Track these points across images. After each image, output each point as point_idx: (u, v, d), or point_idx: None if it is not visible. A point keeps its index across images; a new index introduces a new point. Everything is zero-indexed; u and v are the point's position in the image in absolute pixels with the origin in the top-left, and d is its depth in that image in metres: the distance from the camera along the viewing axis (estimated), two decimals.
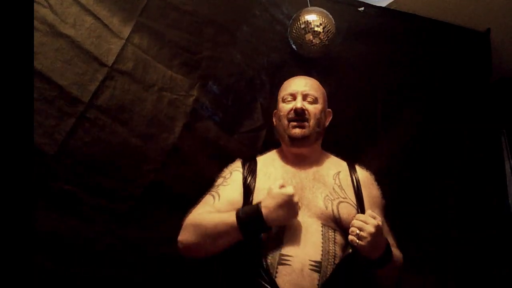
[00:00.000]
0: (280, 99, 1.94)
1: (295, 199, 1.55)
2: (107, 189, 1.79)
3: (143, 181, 1.85)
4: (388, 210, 1.95)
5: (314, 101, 1.87)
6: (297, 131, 1.82)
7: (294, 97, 1.88)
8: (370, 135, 2.42)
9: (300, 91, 1.87)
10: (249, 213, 1.56)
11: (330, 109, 1.99)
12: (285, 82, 1.99)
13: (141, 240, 1.81)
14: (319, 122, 1.87)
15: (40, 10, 1.76)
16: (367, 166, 1.97)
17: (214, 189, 1.79)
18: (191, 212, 1.71)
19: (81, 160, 1.76)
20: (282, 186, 1.57)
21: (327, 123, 1.96)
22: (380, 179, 2.20)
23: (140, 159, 1.86)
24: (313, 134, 1.85)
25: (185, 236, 1.64)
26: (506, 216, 2.51)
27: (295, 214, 1.56)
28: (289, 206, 1.54)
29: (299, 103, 1.84)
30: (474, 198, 2.45)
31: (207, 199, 1.75)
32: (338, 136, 2.17)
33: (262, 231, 1.56)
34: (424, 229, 2.33)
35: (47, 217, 1.67)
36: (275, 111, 1.99)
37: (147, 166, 1.87)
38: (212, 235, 1.58)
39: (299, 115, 1.83)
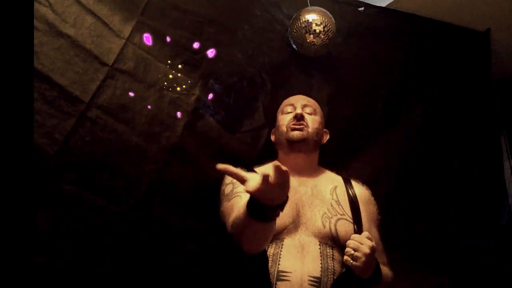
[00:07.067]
0: (279, 114, 2.01)
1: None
2: (108, 189, 1.79)
3: (144, 180, 1.85)
4: (388, 210, 1.96)
5: (313, 112, 1.95)
6: (296, 133, 1.86)
7: (294, 107, 1.94)
8: (370, 135, 2.42)
9: (300, 102, 1.95)
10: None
11: (327, 130, 2.03)
12: (284, 100, 2.05)
13: (142, 239, 1.81)
14: (317, 131, 1.91)
15: (40, 9, 1.76)
16: (366, 166, 1.96)
17: (236, 193, 1.71)
18: (229, 223, 1.62)
19: (82, 159, 1.75)
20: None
21: (324, 141, 2.00)
22: (379, 178, 2.21)
23: (141, 158, 1.86)
24: (312, 140, 1.88)
25: (243, 245, 1.53)
26: (506, 216, 2.51)
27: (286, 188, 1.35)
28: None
29: (299, 110, 1.91)
30: (474, 198, 2.45)
31: (236, 201, 1.67)
32: (338, 136, 2.17)
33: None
34: (424, 229, 2.32)
35: (47, 217, 1.66)
36: (274, 129, 2.04)
37: (148, 165, 1.86)
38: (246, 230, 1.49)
39: (299, 120, 1.87)
